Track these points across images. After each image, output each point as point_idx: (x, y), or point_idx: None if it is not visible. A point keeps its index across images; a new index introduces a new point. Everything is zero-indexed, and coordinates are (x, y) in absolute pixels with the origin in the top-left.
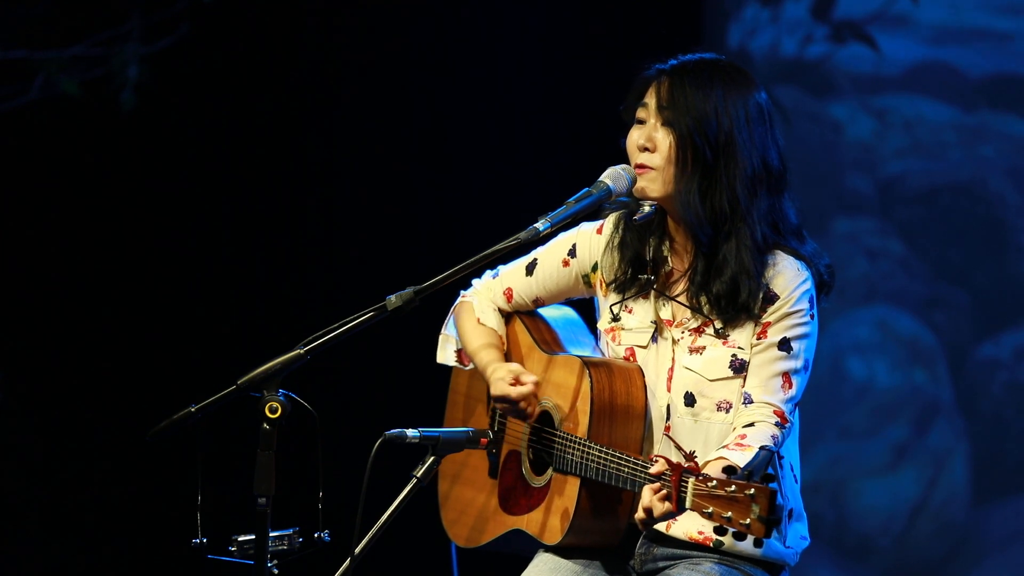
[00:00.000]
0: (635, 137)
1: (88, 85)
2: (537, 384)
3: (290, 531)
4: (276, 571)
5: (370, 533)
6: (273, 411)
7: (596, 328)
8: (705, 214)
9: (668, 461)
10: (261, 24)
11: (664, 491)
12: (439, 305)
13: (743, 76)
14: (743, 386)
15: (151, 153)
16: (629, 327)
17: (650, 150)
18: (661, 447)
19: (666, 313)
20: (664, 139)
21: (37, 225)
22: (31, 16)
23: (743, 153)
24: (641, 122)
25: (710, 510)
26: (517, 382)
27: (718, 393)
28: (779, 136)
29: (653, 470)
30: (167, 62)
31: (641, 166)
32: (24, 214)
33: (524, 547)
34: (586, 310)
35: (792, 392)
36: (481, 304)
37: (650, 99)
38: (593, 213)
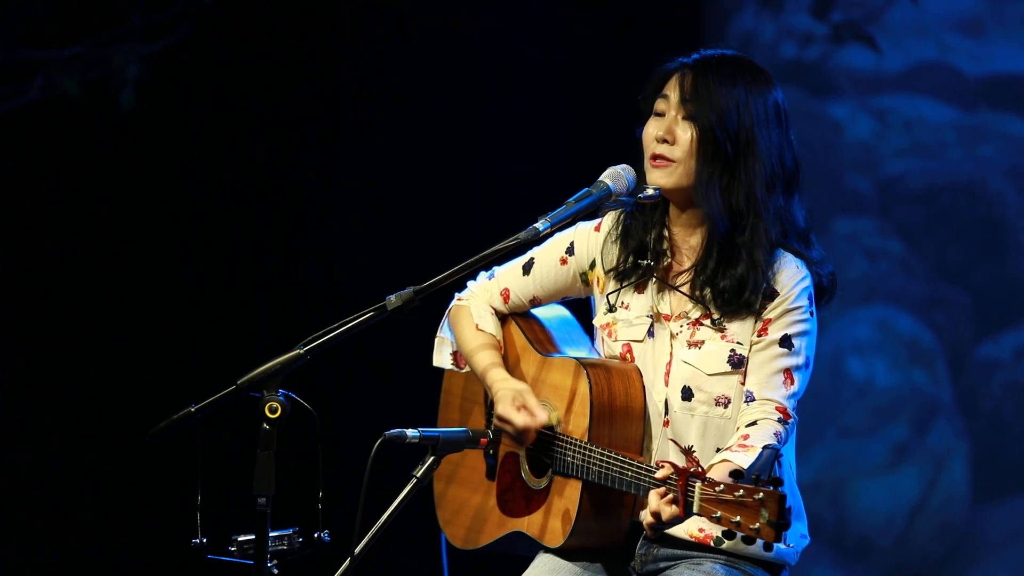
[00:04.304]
0: (653, 129)
1: (88, 85)
2: (541, 416)
3: (290, 531)
4: (276, 571)
5: (370, 533)
6: (273, 411)
7: (591, 327)
8: (724, 208)
9: (674, 466)
10: (261, 24)
11: (670, 495)
12: (439, 305)
13: (763, 75)
14: (742, 382)
15: (151, 153)
16: (626, 320)
17: (669, 142)
18: (660, 443)
19: (665, 307)
20: (685, 132)
21: (37, 225)
22: (31, 16)
23: (763, 151)
24: (660, 114)
25: (718, 515)
26: (524, 408)
27: (716, 388)
28: (794, 138)
29: (659, 475)
30: (167, 62)
31: (658, 157)
32: (24, 214)
33: (523, 548)
34: (581, 310)
35: (794, 388)
36: (478, 309)
37: (672, 92)
38: (591, 213)
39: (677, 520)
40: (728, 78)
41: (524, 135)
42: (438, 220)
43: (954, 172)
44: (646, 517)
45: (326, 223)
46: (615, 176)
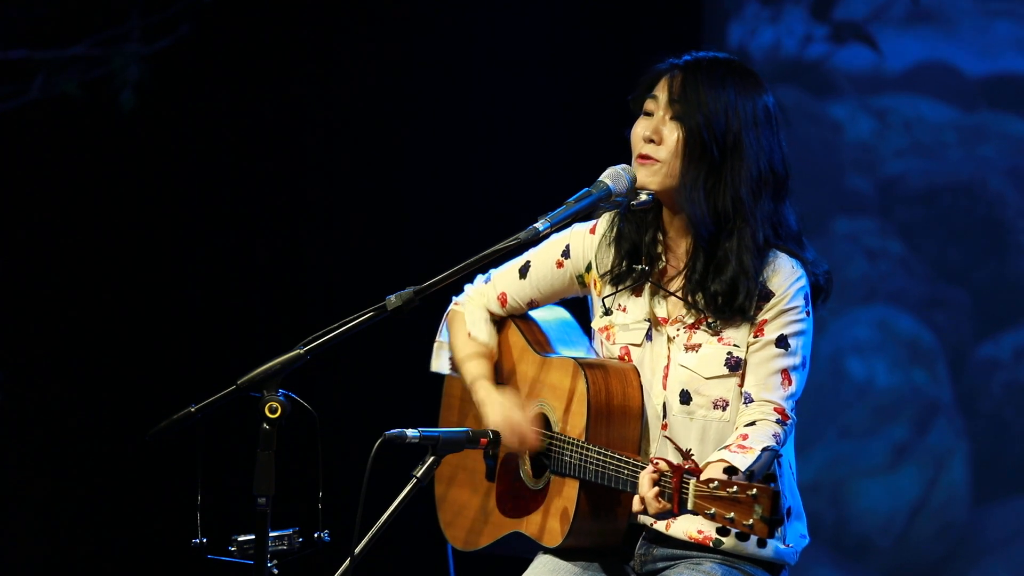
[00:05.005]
0: (641, 128)
1: (88, 85)
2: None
3: (290, 531)
4: (276, 571)
5: (370, 533)
6: (273, 411)
7: (590, 328)
8: (708, 211)
9: (669, 463)
10: (261, 24)
11: (657, 489)
12: (439, 306)
13: (754, 78)
14: (740, 384)
15: (151, 153)
16: (623, 324)
17: (655, 142)
18: (658, 445)
19: (661, 310)
20: (671, 133)
21: (37, 225)
22: (31, 16)
23: (750, 155)
24: (649, 114)
25: (712, 511)
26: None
27: (714, 391)
28: (784, 143)
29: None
30: (167, 62)
31: (644, 157)
32: (24, 214)
33: (523, 549)
34: (579, 311)
35: (792, 389)
36: (472, 316)
37: (661, 92)
38: (588, 214)
39: (668, 514)
40: (717, 80)
41: (524, 135)
42: (438, 220)
43: (954, 172)
44: (634, 504)
45: (326, 223)
46: (615, 176)
